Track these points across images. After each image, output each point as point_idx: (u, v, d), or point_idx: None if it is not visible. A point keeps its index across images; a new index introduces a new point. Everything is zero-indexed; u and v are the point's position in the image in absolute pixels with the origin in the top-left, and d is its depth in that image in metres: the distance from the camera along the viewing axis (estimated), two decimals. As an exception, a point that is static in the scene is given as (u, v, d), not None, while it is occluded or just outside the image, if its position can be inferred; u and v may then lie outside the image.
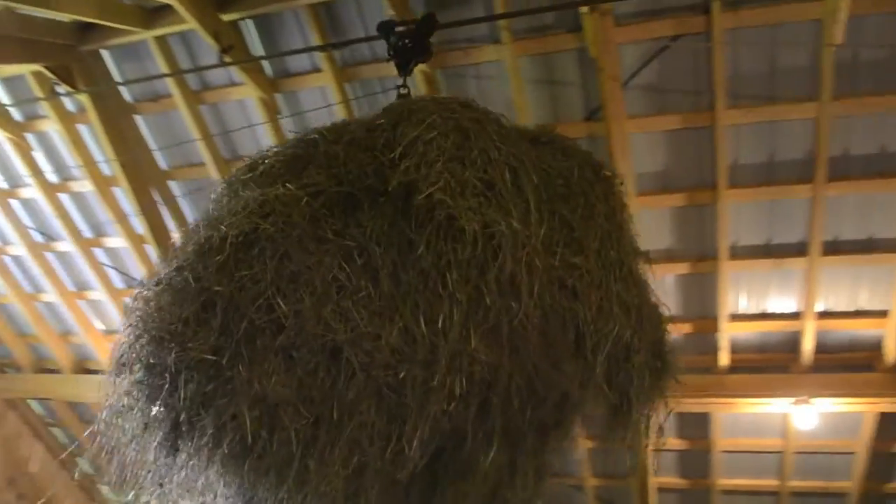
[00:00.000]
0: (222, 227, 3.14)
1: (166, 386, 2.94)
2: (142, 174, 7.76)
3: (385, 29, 4.57)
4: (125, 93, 7.64)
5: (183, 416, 2.92)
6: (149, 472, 3.12)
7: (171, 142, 7.77)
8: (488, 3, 6.18)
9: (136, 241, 8.55)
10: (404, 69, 4.50)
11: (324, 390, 2.89)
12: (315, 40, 6.64)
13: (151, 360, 2.99)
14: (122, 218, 8.30)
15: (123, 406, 3.14)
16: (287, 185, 3.28)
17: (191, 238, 3.33)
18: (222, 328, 2.92)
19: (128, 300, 3.36)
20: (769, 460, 8.69)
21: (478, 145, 3.35)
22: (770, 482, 8.87)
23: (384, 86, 6.96)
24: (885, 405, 7.49)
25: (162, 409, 2.98)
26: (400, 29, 4.54)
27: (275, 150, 3.69)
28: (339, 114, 6.93)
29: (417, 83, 6.70)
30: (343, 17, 6.63)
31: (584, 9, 5.72)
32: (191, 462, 2.96)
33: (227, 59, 6.60)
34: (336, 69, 6.88)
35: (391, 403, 2.93)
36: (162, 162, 8.04)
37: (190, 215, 8.25)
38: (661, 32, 6.03)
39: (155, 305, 3.08)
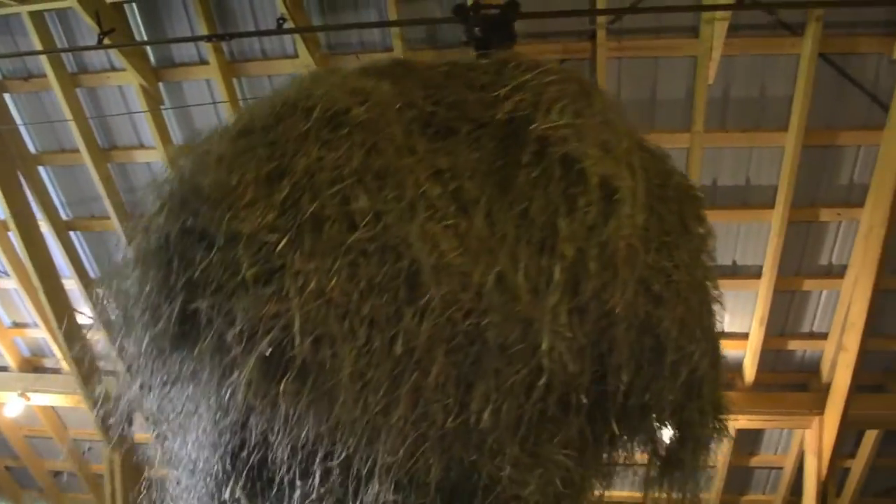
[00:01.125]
0: (315, 93, 2.69)
1: (196, 258, 2.43)
2: (8, 156, 7.30)
3: (462, 13, 4.34)
4: (-7, 68, 7.19)
5: (206, 303, 2.40)
6: (129, 365, 2.68)
7: (44, 125, 7.36)
8: (382, 9, 6.16)
9: (-1, 227, 8.06)
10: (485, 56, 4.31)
11: (389, 316, 2.39)
12: (202, 30, 6.43)
13: (189, 222, 2.48)
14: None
15: (130, 274, 2.63)
16: (383, 84, 2.86)
17: (265, 105, 2.83)
18: (285, 206, 2.45)
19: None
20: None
21: (598, 104, 3.03)
22: (635, 494, 9.16)
23: (274, 84, 6.82)
24: (743, 422, 7.87)
25: (179, 286, 2.45)
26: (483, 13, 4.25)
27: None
28: (225, 109, 6.75)
29: (306, 84, 6.59)
30: (234, 9, 6.45)
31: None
32: (191, 364, 2.47)
33: (108, 41, 6.31)
34: (224, 62, 6.68)
35: (464, 359, 2.45)
36: (31, 145, 7.60)
37: (59, 204, 7.86)
38: (549, 54, 6.14)
39: (213, 157, 2.57)
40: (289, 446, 2.36)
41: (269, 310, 2.31)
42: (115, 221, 7.58)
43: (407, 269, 2.43)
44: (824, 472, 7.45)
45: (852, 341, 6.71)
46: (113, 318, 2.77)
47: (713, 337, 3.15)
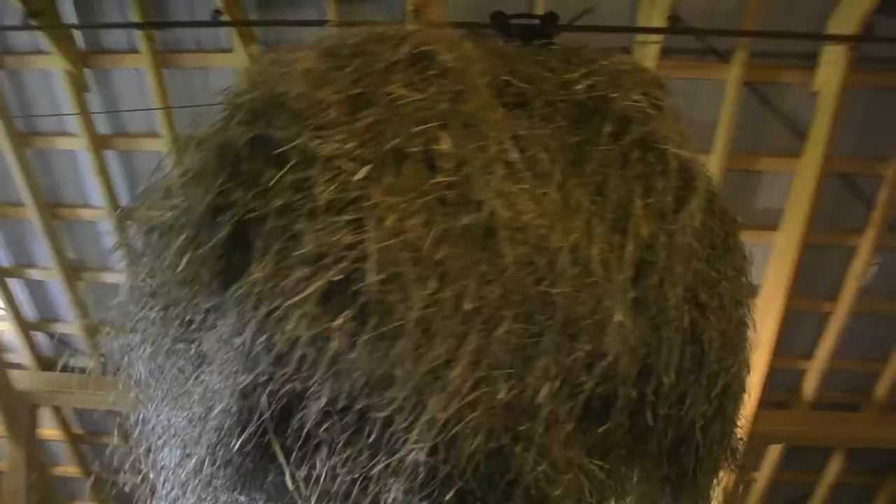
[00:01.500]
0: (405, 29, 2.59)
1: (263, 175, 2.27)
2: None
3: (501, 20, 4.28)
4: None
5: (269, 225, 2.22)
6: (153, 293, 2.45)
7: (-42, 104, 7.03)
8: (321, 8, 6.12)
9: None
10: None
11: (461, 268, 2.24)
12: (134, 17, 6.25)
13: (261, 133, 2.31)
14: None
15: (173, 190, 2.45)
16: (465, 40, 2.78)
17: (354, 32, 2.69)
18: (366, 135, 2.31)
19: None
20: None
21: (668, 97, 3.01)
22: None
23: (206, 77, 6.70)
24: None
25: (238, 205, 2.28)
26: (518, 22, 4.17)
27: None
28: (154, 100, 6.59)
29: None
30: (169, -2, 6.32)
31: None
32: (233, 293, 2.25)
33: (34, 22, 6.09)
34: (155, 52, 6.49)
35: (529, 327, 2.29)
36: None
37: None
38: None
39: (300, 69, 2.43)
40: (328, 393, 2.16)
41: (342, 238, 2.17)
42: (31, 209, 7.29)
43: (483, 224, 2.30)
44: (731, 484, 7.70)
45: (761, 360, 6.97)
46: (139, 243, 2.58)
47: (746, 358, 3.09)
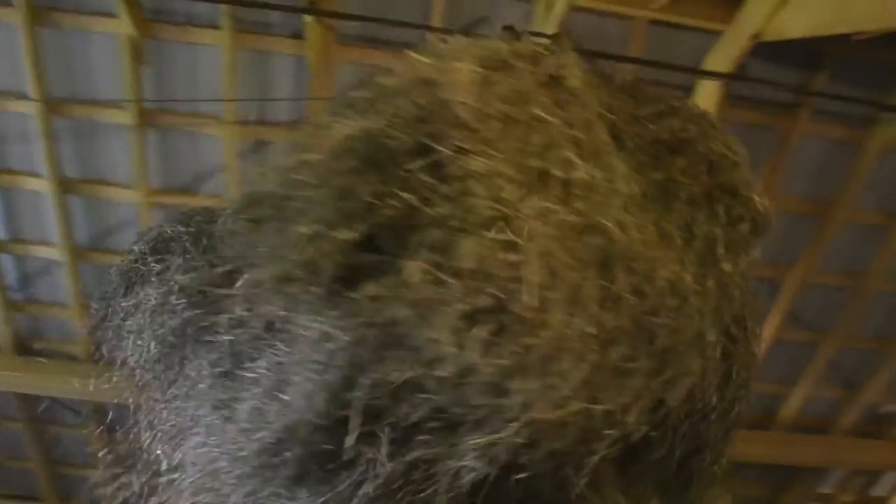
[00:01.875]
0: (532, 47, 2.59)
1: (418, 182, 2.21)
2: None
3: (511, 33, 4.12)
4: None
5: (419, 234, 2.19)
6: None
7: None
8: (214, -17, 5.95)
9: None
10: None
11: (588, 294, 2.24)
12: (11, -32, 5.89)
13: (421, 133, 2.27)
14: None
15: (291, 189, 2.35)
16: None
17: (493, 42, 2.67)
18: (515, 154, 2.29)
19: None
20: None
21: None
22: None
23: (88, 40, 6.37)
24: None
25: (385, 210, 2.22)
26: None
27: None
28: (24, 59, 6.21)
29: (124, 51, 6.22)
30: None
31: (309, 18, 5.72)
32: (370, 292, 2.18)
33: None
34: (30, 6, 6.11)
35: (630, 352, 2.31)
36: None
37: None
38: (379, 61, 6.21)
39: (465, 77, 2.40)
40: (446, 402, 2.14)
41: (503, 257, 2.13)
42: None
43: (604, 251, 2.32)
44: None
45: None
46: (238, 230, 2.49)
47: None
